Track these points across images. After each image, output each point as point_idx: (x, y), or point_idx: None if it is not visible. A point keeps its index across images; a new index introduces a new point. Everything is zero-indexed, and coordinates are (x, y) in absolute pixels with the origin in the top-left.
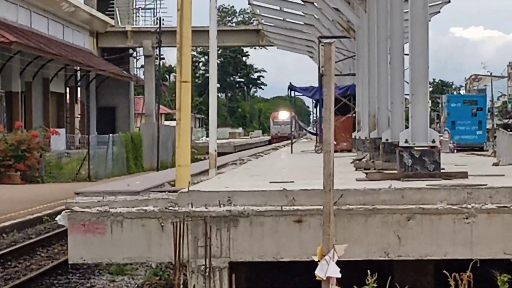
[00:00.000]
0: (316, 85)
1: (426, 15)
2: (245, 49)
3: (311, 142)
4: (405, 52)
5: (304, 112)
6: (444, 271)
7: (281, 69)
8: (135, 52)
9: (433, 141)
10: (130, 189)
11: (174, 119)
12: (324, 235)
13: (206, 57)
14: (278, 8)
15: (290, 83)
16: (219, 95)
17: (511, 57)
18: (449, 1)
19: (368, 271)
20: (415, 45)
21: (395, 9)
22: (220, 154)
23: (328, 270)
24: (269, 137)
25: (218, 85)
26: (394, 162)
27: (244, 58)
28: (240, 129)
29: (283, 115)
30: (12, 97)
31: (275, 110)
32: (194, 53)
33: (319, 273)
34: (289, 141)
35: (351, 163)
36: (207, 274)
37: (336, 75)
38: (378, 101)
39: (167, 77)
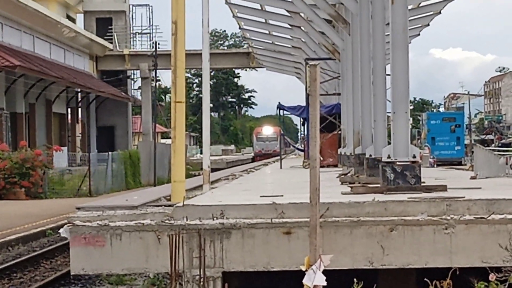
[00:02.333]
0: (304, 104)
1: (406, 39)
2: (236, 71)
3: (299, 158)
4: (387, 73)
5: (293, 129)
6: (426, 279)
7: (270, 89)
8: (132, 74)
9: (414, 156)
10: (128, 204)
11: (170, 137)
12: (311, 246)
13: (200, 78)
14: (267, 32)
15: (279, 102)
16: (212, 114)
17: (488, 77)
18: (428, 25)
19: (354, 279)
20: (396, 66)
21: (377, 33)
22: (213, 170)
23: (315, 279)
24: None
25: (211, 105)
26: (377, 177)
27: (235, 79)
28: (232, 146)
29: (267, 130)
30: (17, 118)
31: (258, 125)
32: (188, 75)
33: (307, 282)
34: (269, 160)
35: (337, 177)
36: (201, 283)
37: (322, 94)
38: (362, 119)
39: (163, 97)
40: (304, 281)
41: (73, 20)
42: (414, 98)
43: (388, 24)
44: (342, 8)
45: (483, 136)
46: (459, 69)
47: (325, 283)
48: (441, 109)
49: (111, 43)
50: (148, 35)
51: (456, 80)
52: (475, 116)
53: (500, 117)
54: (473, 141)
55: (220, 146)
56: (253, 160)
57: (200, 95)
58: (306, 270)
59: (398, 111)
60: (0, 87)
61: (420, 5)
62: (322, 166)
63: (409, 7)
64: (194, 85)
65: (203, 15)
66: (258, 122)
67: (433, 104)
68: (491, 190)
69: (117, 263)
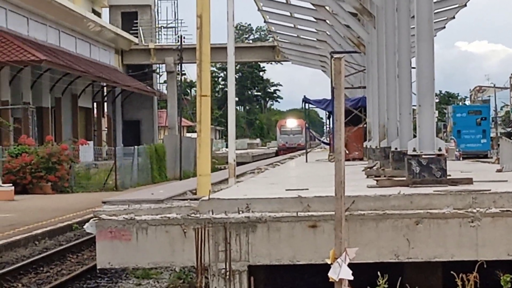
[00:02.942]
0: (329, 97)
1: (431, 31)
2: (262, 64)
3: (325, 151)
4: (412, 66)
5: (318, 123)
6: (452, 272)
7: (296, 83)
8: (158, 69)
9: (440, 149)
10: (154, 198)
11: (195, 131)
12: (336, 239)
13: (225, 72)
14: (292, 25)
15: (304, 96)
16: (238, 108)
17: None
18: (454, 17)
19: (379, 272)
20: (421, 59)
21: (402, 25)
22: (239, 163)
23: (340, 272)
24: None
25: (237, 99)
26: (403, 170)
27: (261, 73)
28: (258, 140)
29: (292, 123)
30: (43, 112)
31: (282, 118)
32: (214, 68)
33: (332, 275)
34: (295, 154)
35: (363, 171)
36: (227, 277)
37: (347, 88)
38: (387, 112)
39: (189, 91)
40: (330, 274)
41: (98, 15)
42: (440, 91)
43: (413, 16)
44: (367, 1)
45: (509, 129)
46: (485, 62)
47: (351, 277)
48: (467, 102)
49: (137, 37)
50: (174, 29)
51: (482, 73)
52: (501, 109)
53: None
54: (499, 134)
55: (246, 139)
56: (277, 154)
57: (226, 89)
58: (331, 264)
59: (423, 104)
60: (26, 81)
61: None
62: (347, 160)
63: None
64: (220, 79)
65: (228, 9)
66: (283, 115)
67: (459, 97)
68: None
69: (143, 257)
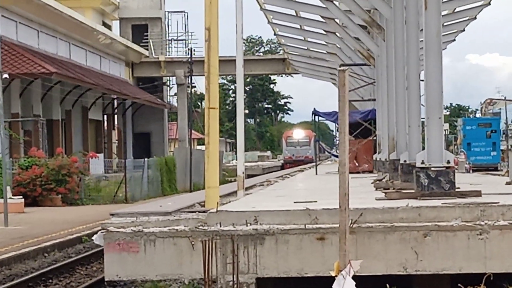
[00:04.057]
0: None
1: (440, 44)
2: (272, 77)
3: (335, 164)
4: (422, 79)
5: (328, 136)
6: (459, 285)
7: (307, 95)
8: (168, 81)
9: (448, 162)
10: (162, 210)
11: None
12: (340, 251)
13: (236, 85)
14: (302, 38)
15: (314, 108)
16: (248, 120)
17: None
18: (464, 30)
19: (387, 285)
20: (429, 72)
21: (411, 38)
22: (249, 176)
23: (344, 285)
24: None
25: (247, 111)
26: (412, 182)
27: (271, 86)
28: (269, 153)
29: (299, 133)
30: (53, 125)
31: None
32: (225, 81)
33: (336, 287)
34: (305, 166)
35: (372, 183)
36: None
37: (357, 100)
38: (397, 125)
39: (199, 104)
40: (334, 286)
41: (109, 27)
42: (451, 104)
43: (422, 30)
44: (376, 14)
45: None
46: (496, 75)
47: None
48: (478, 115)
49: (147, 49)
50: (184, 41)
51: (493, 86)
52: None
53: None
54: (509, 147)
55: (256, 152)
56: (282, 167)
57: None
58: (335, 276)
59: (432, 116)
60: (36, 94)
61: (455, 10)
62: (357, 172)
63: (444, 12)
64: (231, 91)
65: (237, 21)
66: (293, 128)
67: (469, 110)
68: None
69: (151, 269)
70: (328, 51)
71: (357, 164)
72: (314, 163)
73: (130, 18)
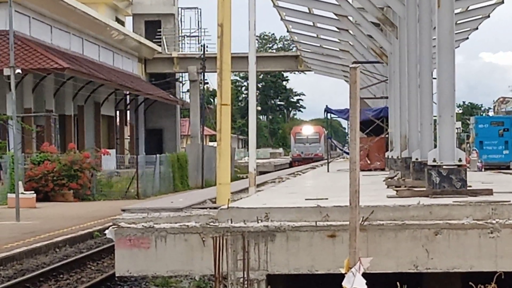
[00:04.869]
0: None
1: (452, 42)
2: (285, 74)
3: (347, 161)
4: (434, 77)
5: (341, 133)
6: (470, 283)
7: (319, 92)
8: (181, 77)
9: (460, 160)
10: (173, 206)
11: None
12: (350, 249)
13: (248, 81)
14: (315, 35)
15: (327, 105)
16: (261, 117)
17: None
18: (477, 28)
19: (398, 283)
20: (442, 70)
21: (424, 36)
22: (261, 173)
23: (354, 282)
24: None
25: (259, 108)
26: (423, 180)
27: (284, 83)
28: (281, 149)
29: (308, 130)
30: (65, 120)
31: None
32: (237, 78)
33: (346, 284)
34: (317, 164)
35: (383, 181)
36: (245, 286)
37: (369, 98)
38: (409, 123)
39: (212, 100)
40: (344, 283)
41: (122, 23)
42: (464, 102)
43: (435, 27)
44: (389, 11)
45: None
46: (509, 73)
47: (365, 286)
48: (490, 113)
49: (160, 45)
50: (197, 38)
51: (506, 84)
52: None
53: None
54: None
55: (268, 149)
56: (290, 165)
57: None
58: (345, 273)
59: (444, 114)
60: (49, 89)
61: (469, 8)
62: (369, 170)
63: (457, 10)
64: (243, 88)
65: (250, 18)
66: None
67: (482, 108)
68: None
69: (162, 265)
70: (341, 49)
71: (369, 162)
72: (323, 161)
73: (143, 14)
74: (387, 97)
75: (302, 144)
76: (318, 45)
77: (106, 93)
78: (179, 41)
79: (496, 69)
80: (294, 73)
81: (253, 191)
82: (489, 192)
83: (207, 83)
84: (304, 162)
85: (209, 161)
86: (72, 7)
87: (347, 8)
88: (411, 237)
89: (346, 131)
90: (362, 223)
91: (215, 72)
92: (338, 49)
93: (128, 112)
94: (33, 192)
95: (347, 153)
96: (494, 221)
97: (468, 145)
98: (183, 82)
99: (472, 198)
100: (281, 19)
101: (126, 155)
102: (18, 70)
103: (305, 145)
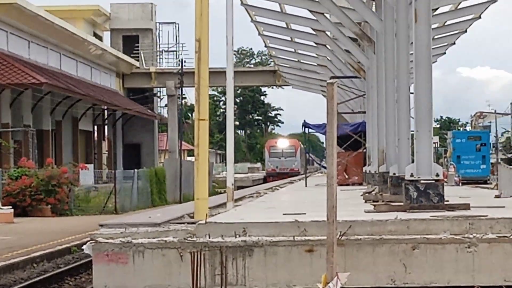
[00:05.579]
0: None
1: (429, 57)
2: (263, 89)
3: (325, 176)
4: (411, 91)
5: (319, 148)
6: None
7: (297, 107)
8: (159, 92)
9: (437, 175)
10: (151, 221)
11: None
12: (328, 264)
13: (226, 96)
14: (293, 50)
15: (304, 120)
16: (239, 132)
17: None
18: (454, 43)
19: None
20: (419, 85)
21: (401, 51)
22: (239, 187)
23: None
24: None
25: (237, 123)
26: (401, 195)
27: (262, 97)
28: (259, 164)
29: (283, 143)
30: (43, 135)
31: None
32: (215, 92)
33: None
34: (294, 178)
35: (361, 195)
36: None
37: (347, 113)
38: (387, 137)
39: (190, 115)
40: None
41: (100, 38)
42: (441, 117)
43: (412, 43)
44: (367, 26)
45: (509, 155)
46: (486, 88)
47: None
48: (468, 128)
49: (138, 60)
50: (175, 53)
51: (484, 99)
52: (502, 135)
53: None
54: (499, 160)
55: (246, 163)
56: (265, 181)
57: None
58: None
59: (421, 129)
60: (26, 104)
61: (446, 23)
62: (347, 184)
63: (434, 25)
64: (221, 103)
65: (227, 33)
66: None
67: (459, 123)
68: None
69: (140, 280)
70: (318, 63)
71: (347, 176)
72: (299, 176)
73: (121, 29)
74: (364, 112)
75: (277, 158)
76: (296, 60)
77: (84, 108)
78: (157, 56)
79: (473, 84)
80: (272, 88)
81: (231, 206)
82: (467, 206)
83: (185, 98)
84: (279, 177)
85: (187, 176)
86: (50, 22)
87: (324, 23)
88: (389, 252)
89: (324, 145)
90: (339, 238)
91: (193, 87)
92: (316, 64)
93: (106, 127)
94: (10, 207)
95: (325, 168)
96: (471, 236)
97: (445, 159)
98: (161, 97)
99: (449, 212)
100: (259, 34)
101: (104, 170)
102: None
103: (280, 159)
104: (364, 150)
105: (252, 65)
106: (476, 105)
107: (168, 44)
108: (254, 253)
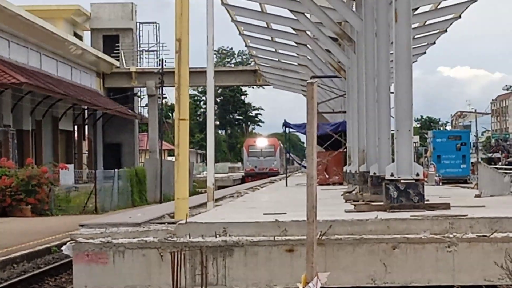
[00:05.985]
0: None
1: (410, 57)
2: (243, 88)
3: (305, 175)
4: (392, 91)
5: (300, 147)
6: None
7: (278, 107)
8: (139, 92)
9: (417, 174)
10: (131, 221)
11: None
12: (307, 263)
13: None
14: (273, 49)
15: (285, 120)
16: (219, 131)
17: (496, 95)
18: (435, 43)
19: None
20: (399, 84)
21: (382, 51)
22: (220, 187)
23: None
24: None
25: (218, 123)
26: (381, 195)
27: (242, 97)
28: (239, 164)
29: (262, 142)
30: (23, 135)
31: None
32: (196, 92)
33: None
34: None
35: (342, 195)
36: None
37: (327, 112)
38: (367, 137)
39: (170, 115)
40: None
41: (80, 38)
42: (421, 116)
43: (392, 42)
44: (347, 26)
45: (490, 154)
46: (467, 87)
47: None
48: (448, 127)
49: (118, 60)
50: (155, 52)
51: (464, 98)
52: (482, 134)
53: (507, 135)
54: (480, 160)
55: (227, 163)
56: (243, 181)
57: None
58: None
59: (401, 129)
60: (6, 104)
61: (426, 23)
62: (327, 184)
63: (415, 25)
64: (202, 102)
65: (208, 33)
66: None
67: (440, 122)
68: (495, 209)
69: (120, 280)
70: (299, 63)
71: (327, 176)
72: (279, 176)
73: (101, 28)
74: (345, 112)
75: (255, 157)
76: (277, 59)
77: (64, 108)
78: (137, 55)
79: (453, 83)
80: (253, 88)
81: (212, 205)
82: (447, 206)
83: (166, 97)
84: (258, 177)
85: (168, 175)
86: (30, 22)
87: (305, 23)
88: (369, 252)
89: (305, 145)
90: (320, 237)
91: (173, 86)
92: (296, 64)
93: (86, 126)
94: None
95: (305, 167)
96: (451, 235)
97: (426, 159)
98: (142, 97)
99: (429, 212)
100: (240, 33)
101: (84, 170)
102: None
103: (259, 158)
104: (345, 150)
105: (232, 65)
106: (456, 105)
107: (148, 44)
108: (235, 253)
